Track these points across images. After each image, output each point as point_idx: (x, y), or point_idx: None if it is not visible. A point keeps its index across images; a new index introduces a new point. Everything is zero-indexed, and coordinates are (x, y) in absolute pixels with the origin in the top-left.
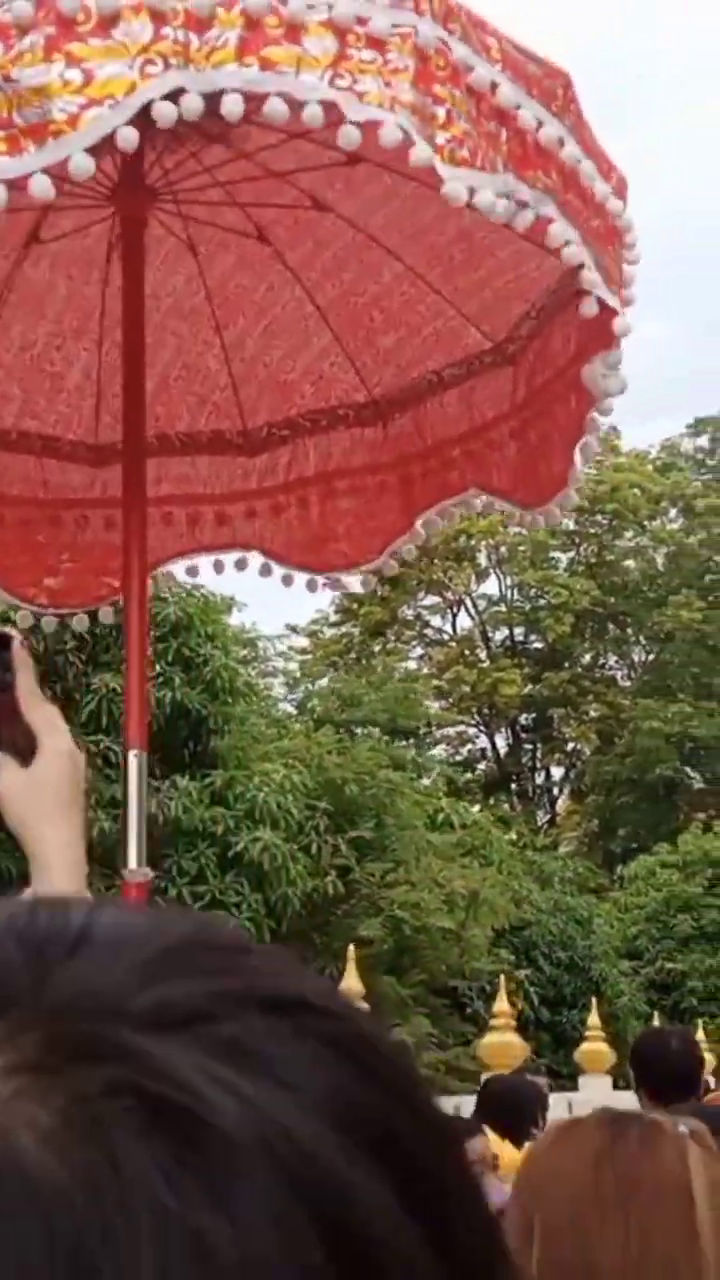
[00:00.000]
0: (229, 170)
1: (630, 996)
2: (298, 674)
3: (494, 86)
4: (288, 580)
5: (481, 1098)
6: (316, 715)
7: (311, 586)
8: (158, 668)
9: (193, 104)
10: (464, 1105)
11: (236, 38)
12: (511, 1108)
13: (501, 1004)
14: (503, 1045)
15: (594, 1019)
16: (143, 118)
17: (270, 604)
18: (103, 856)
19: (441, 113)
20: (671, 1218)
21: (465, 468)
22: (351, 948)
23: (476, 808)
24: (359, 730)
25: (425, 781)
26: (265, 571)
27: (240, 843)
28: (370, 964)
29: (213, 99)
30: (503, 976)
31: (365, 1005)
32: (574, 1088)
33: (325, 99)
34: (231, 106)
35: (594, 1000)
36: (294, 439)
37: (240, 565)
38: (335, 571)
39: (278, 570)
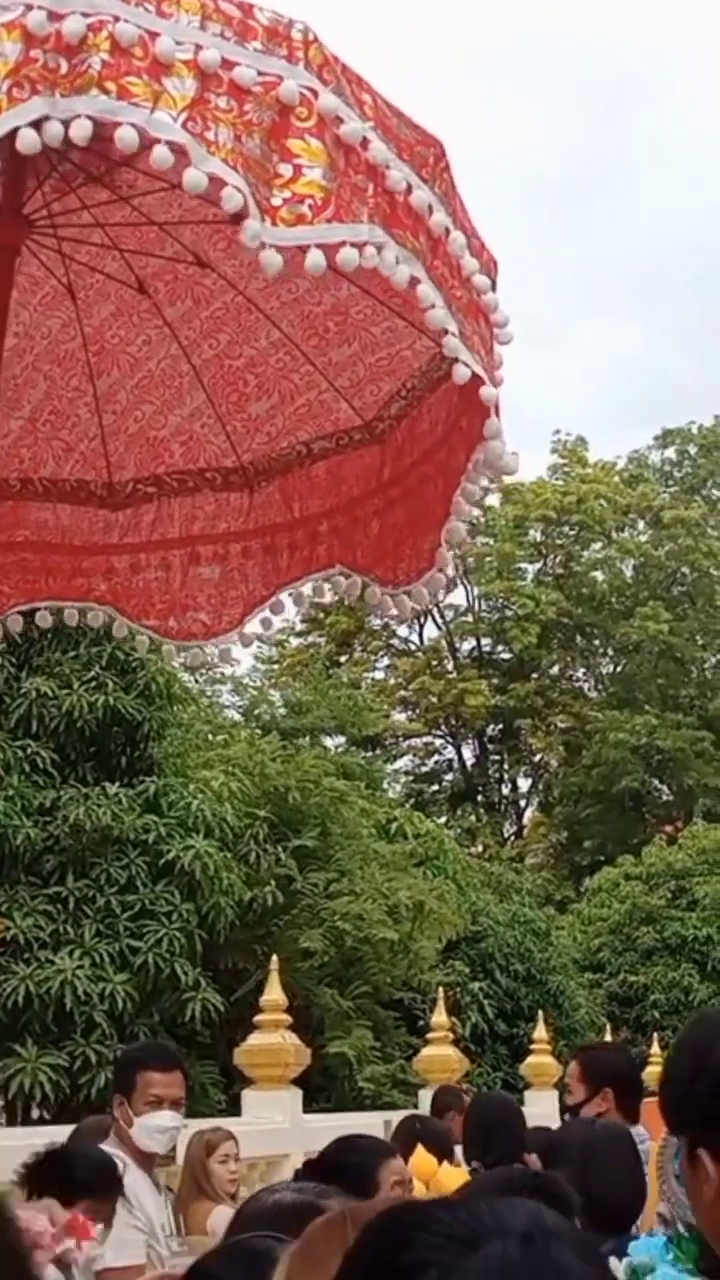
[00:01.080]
0: (111, 213)
1: (588, 1009)
2: (245, 681)
3: (365, 142)
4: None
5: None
6: (263, 722)
7: (154, 650)
8: (92, 672)
9: (54, 130)
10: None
11: (100, 62)
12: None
13: (440, 1017)
14: (440, 1058)
15: (540, 1032)
16: (11, 143)
17: None
18: (30, 864)
19: (288, 170)
20: None
21: (332, 543)
22: (275, 959)
23: (443, 819)
24: (307, 739)
25: (391, 792)
26: (117, 630)
27: (172, 851)
28: (312, 976)
29: (70, 126)
30: (441, 989)
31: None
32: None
33: (175, 141)
34: (79, 131)
35: (539, 1013)
36: (160, 498)
37: (91, 619)
38: (192, 640)
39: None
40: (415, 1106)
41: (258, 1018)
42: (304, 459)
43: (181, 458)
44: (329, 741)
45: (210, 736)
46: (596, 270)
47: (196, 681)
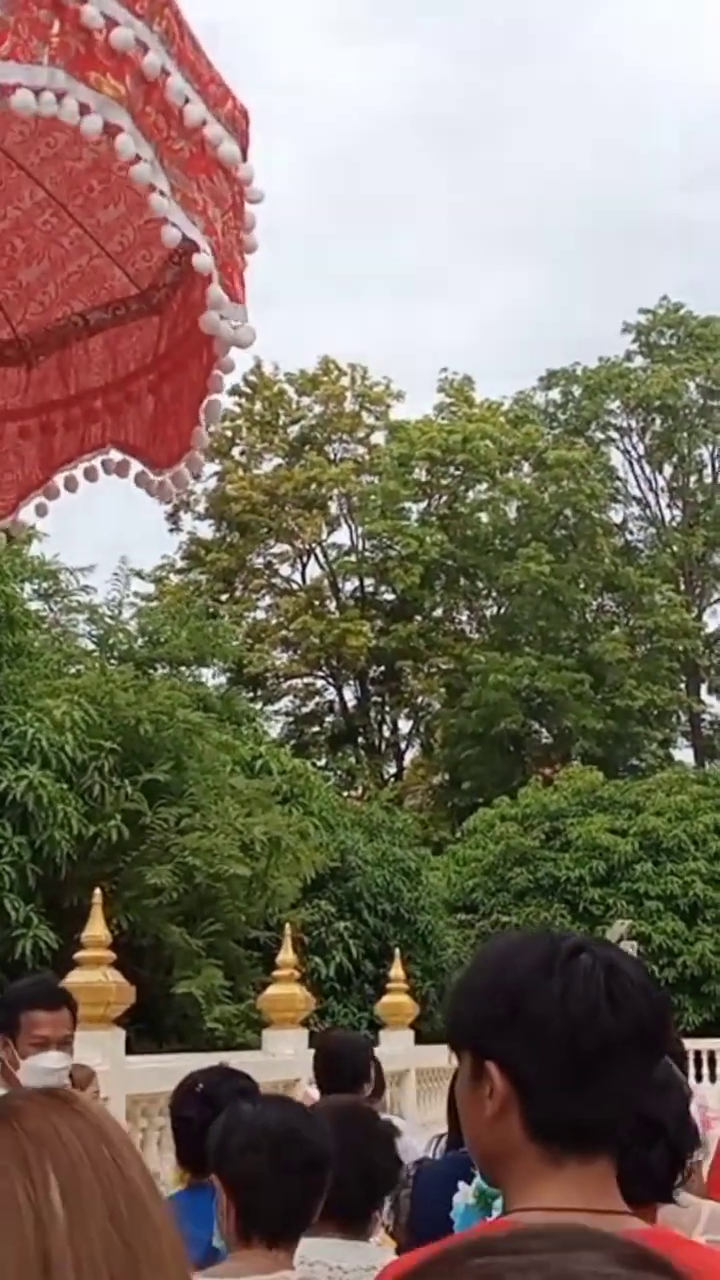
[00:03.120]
0: None
1: (456, 949)
2: (103, 610)
3: None
4: None
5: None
6: (119, 652)
7: None
8: None
9: None
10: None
11: None
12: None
13: (286, 954)
14: (286, 997)
15: (396, 970)
16: None
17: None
18: None
19: None
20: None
21: (106, 420)
22: (98, 893)
23: (323, 761)
24: (166, 670)
25: (272, 733)
26: None
27: (3, 782)
28: (162, 913)
29: None
30: (288, 926)
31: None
32: None
33: None
34: None
35: (395, 952)
36: None
37: None
38: None
39: None
40: (260, 1047)
41: (79, 954)
42: (81, 331)
43: None
44: (206, 679)
45: (60, 667)
46: (491, 216)
47: (50, 610)
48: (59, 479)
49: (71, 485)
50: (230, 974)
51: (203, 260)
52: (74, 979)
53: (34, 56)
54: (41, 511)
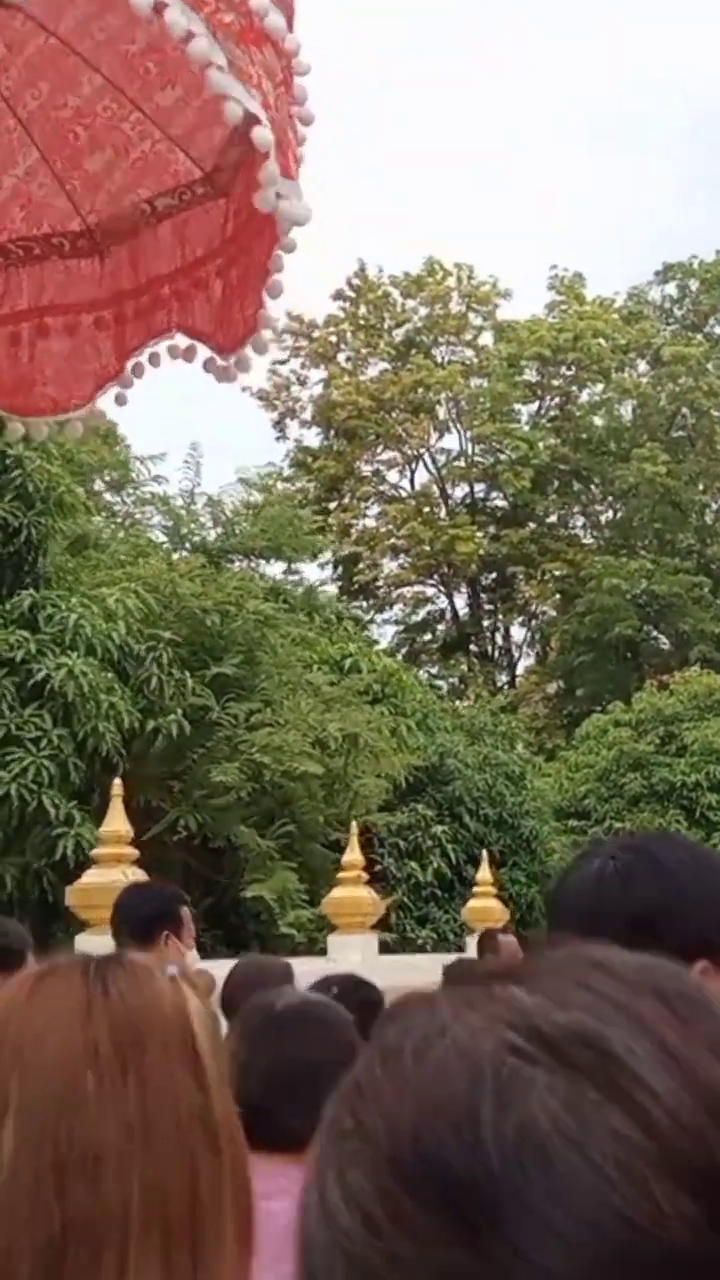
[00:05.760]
0: None
1: (562, 855)
2: (174, 501)
3: None
4: None
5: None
6: (192, 544)
7: (13, 433)
8: None
9: None
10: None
11: None
12: None
13: (353, 854)
14: (352, 900)
15: (484, 873)
16: None
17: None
18: None
19: None
20: (180, 1072)
21: (173, 307)
22: (118, 783)
23: (435, 669)
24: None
25: (383, 641)
26: None
27: (43, 670)
28: (233, 813)
29: None
30: (354, 823)
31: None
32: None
33: None
34: None
35: (484, 853)
36: (7, 268)
37: None
38: (40, 416)
39: None
40: (324, 953)
41: (95, 851)
42: (150, 218)
43: (24, 223)
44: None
45: (128, 558)
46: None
47: (124, 502)
48: (128, 366)
49: (139, 371)
50: (308, 877)
51: (263, 134)
52: (89, 879)
53: None
54: (121, 401)
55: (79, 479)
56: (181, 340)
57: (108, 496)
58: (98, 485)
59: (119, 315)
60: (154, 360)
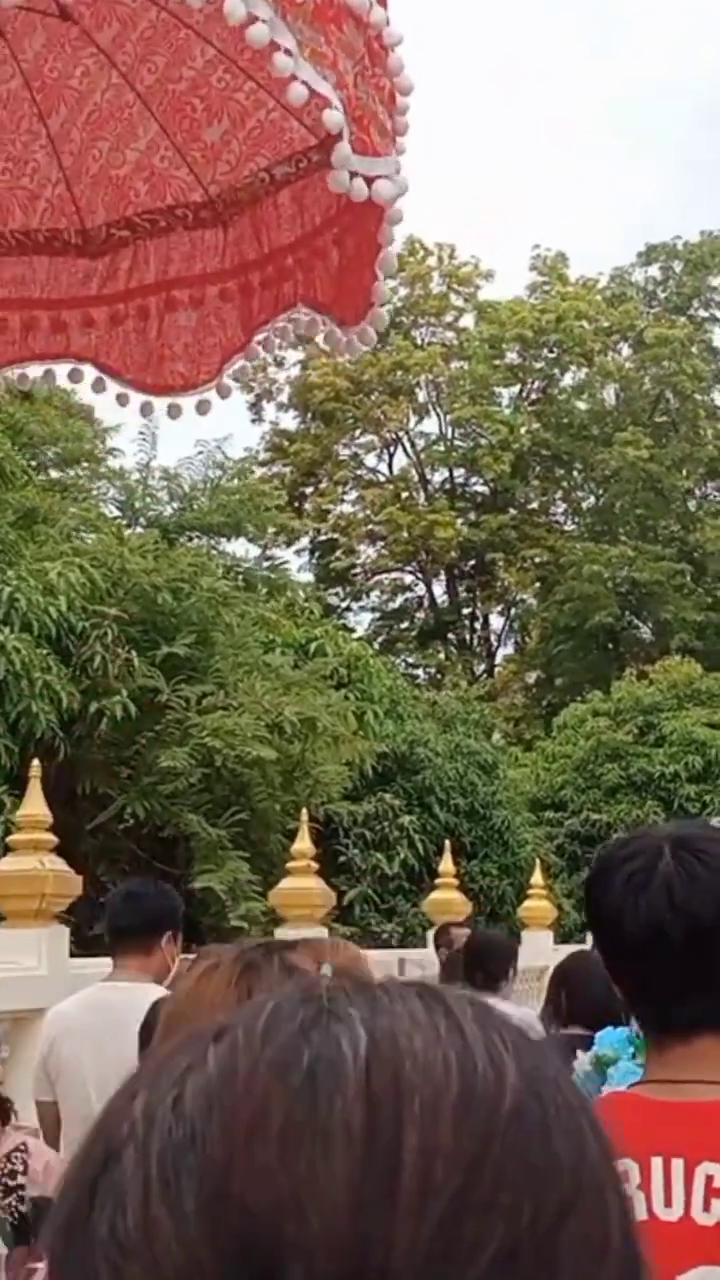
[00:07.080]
0: None
1: (534, 846)
2: (129, 475)
3: None
4: (122, 400)
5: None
6: (147, 519)
7: (145, 410)
8: None
9: None
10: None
11: None
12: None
13: (302, 843)
14: (301, 892)
15: (446, 865)
16: None
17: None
18: None
19: None
20: None
21: (298, 278)
22: (36, 765)
23: (412, 658)
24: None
25: (360, 629)
26: (99, 387)
27: None
28: (183, 800)
29: None
30: (304, 812)
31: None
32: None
33: None
34: None
35: (447, 844)
36: (134, 241)
37: (74, 377)
38: (171, 394)
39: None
40: None
41: (11, 838)
42: (269, 187)
43: (148, 195)
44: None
45: (75, 533)
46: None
47: (79, 476)
48: (256, 340)
49: (268, 346)
50: (264, 868)
51: (333, 116)
52: (3, 866)
53: None
54: (242, 374)
55: (28, 451)
56: (304, 314)
57: (54, 473)
58: (50, 456)
59: (244, 286)
60: (281, 334)
